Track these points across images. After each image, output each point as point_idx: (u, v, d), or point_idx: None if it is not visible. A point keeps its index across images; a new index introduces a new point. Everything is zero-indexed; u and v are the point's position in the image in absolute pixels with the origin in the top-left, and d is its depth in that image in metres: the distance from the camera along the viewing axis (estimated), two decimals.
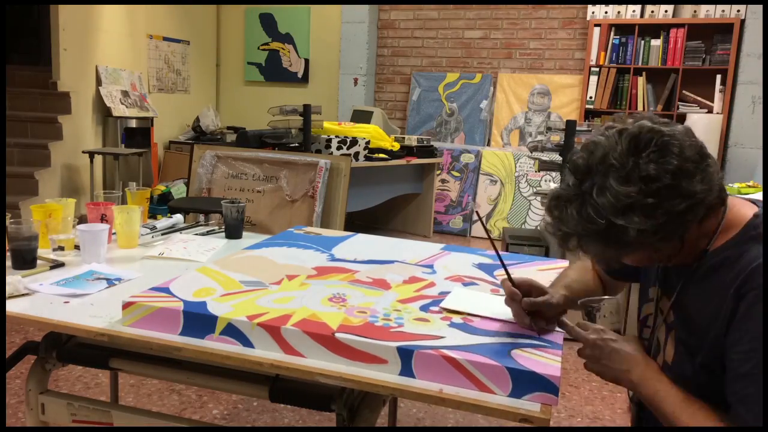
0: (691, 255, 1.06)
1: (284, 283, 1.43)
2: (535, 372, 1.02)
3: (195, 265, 1.64)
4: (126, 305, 1.24)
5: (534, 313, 1.22)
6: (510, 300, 1.23)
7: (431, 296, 1.39)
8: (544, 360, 1.07)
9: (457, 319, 1.25)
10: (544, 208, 1.05)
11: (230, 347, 1.17)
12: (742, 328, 0.95)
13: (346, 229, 3.88)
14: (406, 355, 1.08)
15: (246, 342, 1.17)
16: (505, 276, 1.24)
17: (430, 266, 1.64)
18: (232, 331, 1.18)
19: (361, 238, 1.95)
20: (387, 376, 1.08)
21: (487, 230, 1.33)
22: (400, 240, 1.96)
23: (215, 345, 1.17)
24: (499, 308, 1.29)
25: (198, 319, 1.20)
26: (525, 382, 1.02)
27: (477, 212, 1.39)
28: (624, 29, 5.55)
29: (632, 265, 1.10)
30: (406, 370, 1.08)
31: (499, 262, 1.32)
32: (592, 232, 0.97)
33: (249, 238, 1.98)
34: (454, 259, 1.74)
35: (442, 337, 1.14)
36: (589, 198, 0.96)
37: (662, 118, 1.01)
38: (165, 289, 1.32)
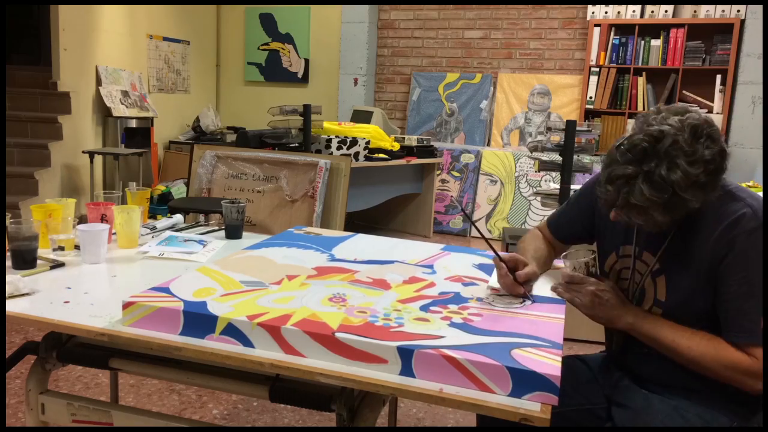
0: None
1: (284, 283, 1.43)
2: (535, 371, 1.02)
3: (195, 265, 1.64)
4: (126, 305, 1.24)
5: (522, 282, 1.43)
6: (503, 275, 1.42)
7: (431, 296, 1.39)
8: (544, 360, 1.07)
9: (457, 319, 1.25)
10: (604, 184, 1.24)
11: (230, 347, 1.17)
12: (736, 260, 1.21)
13: (346, 229, 3.88)
14: (406, 354, 1.08)
15: (246, 342, 1.17)
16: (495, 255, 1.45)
17: (430, 266, 1.64)
18: (232, 331, 1.18)
19: (362, 238, 1.95)
20: (387, 375, 1.08)
21: (466, 214, 1.54)
22: (400, 240, 1.95)
23: (215, 345, 1.17)
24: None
25: (198, 319, 1.20)
26: (525, 381, 1.02)
27: (461, 207, 1.44)
28: (624, 29, 5.56)
29: (652, 230, 1.28)
30: (406, 370, 1.08)
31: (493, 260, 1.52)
32: (657, 203, 1.18)
33: (249, 238, 1.98)
34: (454, 259, 1.74)
35: (442, 337, 1.14)
36: (653, 175, 1.17)
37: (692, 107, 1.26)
38: (165, 289, 1.32)
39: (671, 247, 1.32)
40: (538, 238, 1.66)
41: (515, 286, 1.40)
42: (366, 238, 1.94)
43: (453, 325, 1.22)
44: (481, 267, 1.68)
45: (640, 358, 1.39)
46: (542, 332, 1.21)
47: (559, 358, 1.08)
